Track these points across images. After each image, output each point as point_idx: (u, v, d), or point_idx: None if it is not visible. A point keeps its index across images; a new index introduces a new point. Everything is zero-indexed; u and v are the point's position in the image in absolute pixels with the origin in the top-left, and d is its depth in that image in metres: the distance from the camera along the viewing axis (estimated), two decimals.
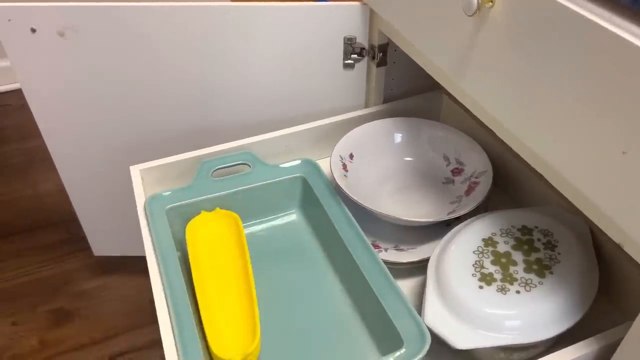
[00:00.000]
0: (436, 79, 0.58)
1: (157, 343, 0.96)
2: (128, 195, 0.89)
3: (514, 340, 0.47)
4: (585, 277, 0.50)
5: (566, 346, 0.46)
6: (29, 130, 1.45)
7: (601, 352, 0.46)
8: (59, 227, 1.18)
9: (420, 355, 0.46)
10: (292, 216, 0.67)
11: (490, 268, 0.50)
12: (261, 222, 0.66)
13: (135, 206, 0.61)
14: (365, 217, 0.63)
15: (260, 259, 0.61)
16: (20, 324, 1.00)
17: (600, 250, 0.54)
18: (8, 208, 1.23)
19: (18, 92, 1.59)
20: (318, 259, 0.61)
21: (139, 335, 0.98)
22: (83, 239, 0.98)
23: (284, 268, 0.61)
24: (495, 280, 0.49)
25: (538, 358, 0.46)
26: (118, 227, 0.95)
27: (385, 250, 0.60)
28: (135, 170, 0.65)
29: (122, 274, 1.08)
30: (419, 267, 0.59)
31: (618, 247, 0.53)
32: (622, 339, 0.42)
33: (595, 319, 0.52)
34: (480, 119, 0.51)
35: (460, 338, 0.47)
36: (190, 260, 0.57)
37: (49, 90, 0.74)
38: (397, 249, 0.60)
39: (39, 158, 1.37)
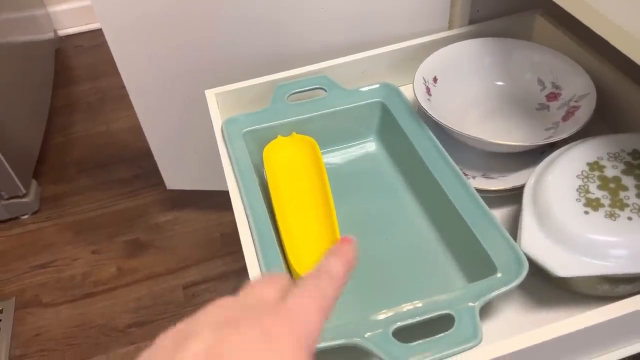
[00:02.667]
0: None
1: (228, 274, 0.98)
2: (201, 129, 0.89)
3: (621, 269, 0.42)
4: None
5: None
6: (101, 70, 1.48)
7: None
8: (131, 162, 1.22)
9: (518, 281, 0.43)
10: (369, 144, 0.64)
11: (597, 193, 0.46)
12: (337, 150, 0.63)
13: (209, 137, 0.60)
14: (450, 144, 0.59)
15: (336, 186, 0.58)
16: (99, 253, 1.05)
17: None
18: (84, 144, 1.28)
19: (89, 34, 1.62)
20: (398, 186, 0.58)
21: (210, 266, 1.00)
22: (155, 174, 1.00)
23: (362, 196, 0.58)
24: (602, 205, 0.45)
25: None
26: (190, 161, 0.96)
27: (473, 177, 0.56)
28: (211, 94, 0.64)
29: (194, 209, 1.10)
30: (510, 197, 0.55)
31: None
32: None
33: None
34: (596, 30, 0.45)
35: (561, 265, 0.43)
36: (269, 183, 0.55)
37: (125, 24, 0.73)
38: (485, 176, 0.56)
39: (110, 97, 1.40)
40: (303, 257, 0.50)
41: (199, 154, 0.93)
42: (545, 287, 0.47)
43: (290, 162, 0.58)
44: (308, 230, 0.52)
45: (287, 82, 0.63)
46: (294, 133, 0.60)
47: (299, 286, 0.24)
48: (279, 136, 0.60)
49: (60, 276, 1.01)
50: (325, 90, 0.63)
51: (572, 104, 0.58)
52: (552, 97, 0.61)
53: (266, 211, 0.51)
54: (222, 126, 0.59)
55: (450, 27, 0.72)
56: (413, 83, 0.60)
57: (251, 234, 0.49)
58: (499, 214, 0.55)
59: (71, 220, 1.11)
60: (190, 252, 1.03)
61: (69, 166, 1.22)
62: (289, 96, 0.62)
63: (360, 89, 0.63)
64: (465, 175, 0.57)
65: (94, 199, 1.15)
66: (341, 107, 0.62)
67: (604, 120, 0.61)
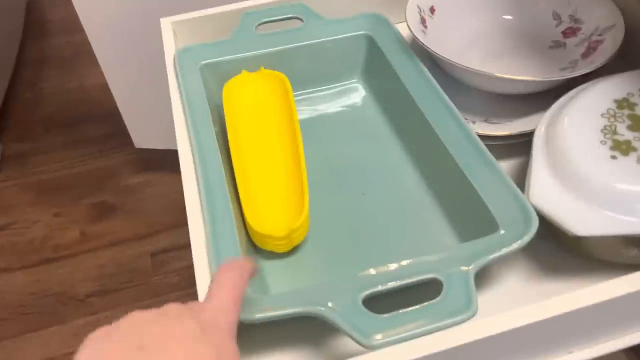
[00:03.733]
0: None
1: None
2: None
3: None
4: None
5: None
6: (77, 23, 1.38)
7: None
8: (103, 121, 1.12)
9: (525, 239, 0.34)
10: (353, 85, 0.54)
11: (627, 134, 0.37)
12: (315, 91, 0.54)
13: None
14: (447, 84, 0.49)
15: (312, 133, 0.49)
16: (62, 216, 0.96)
17: None
18: (54, 101, 1.18)
19: None
20: (384, 132, 0.49)
21: (182, 233, 0.91)
22: (127, 134, 0.91)
23: (342, 144, 0.49)
24: (635, 149, 0.36)
25: None
26: (159, 118, 0.87)
27: (473, 122, 0.47)
28: (166, 23, 0.54)
29: (166, 172, 1.01)
30: (517, 146, 0.46)
31: None
32: None
33: None
34: None
35: (581, 222, 0.34)
36: (227, 126, 0.46)
37: None
38: (488, 122, 0.47)
39: (85, 52, 1.29)
40: (263, 213, 0.41)
41: (167, 112, 0.84)
42: (558, 252, 0.39)
43: (255, 100, 0.49)
44: (271, 182, 0.43)
45: (257, 10, 0.53)
46: (262, 68, 0.51)
47: (213, 283, 0.27)
48: (243, 71, 0.51)
49: (17, 240, 0.92)
50: (302, 20, 0.53)
51: (595, 38, 0.48)
52: (570, 32, 0.51)
53: (219, 157, 0.42)
54: (174, 56, 0.50)
55: None
56: (405, 12, 0.50)
57: (197, 184, 0.40)
58: (504, 166, 0.45)
59: (34, 180, 1.02)
60: (160, 217, 0.94)
61: (35, 123, 1.13)
62: (258, 26, 0.53)
63: (344, 19, 0.53)
64: (465, 119, 0.47)
65: (60, 158, 1.06)
66: (320, 40, 0.52)
67: (628, 63, 0.52)
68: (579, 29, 0.51)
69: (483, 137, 0.44)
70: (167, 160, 1.02)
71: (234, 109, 0.48)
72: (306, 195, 0.40)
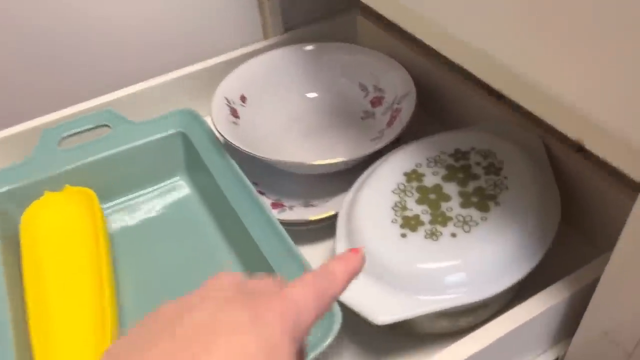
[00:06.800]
0: None
1: None
2: None
3: (455, 301, 0.34)
4: (543, 203, 0.37)
5: (527, 299, 0.33)
6: None
7: (573, 299, 0.33)
8: None
9: (326, 342, 0.32)
10: (176, 182, 0.52)
11: (415, 209, 0.37)
12: (135, 197, 0.51)
13: None
14: (268, 173, 0.49)
15: (133, 244, 0.47)
16: None
17: (560, 172, 0.41)
18: None
19: None
20: (208, 231, 0.48)
21: None
22: None
23: (167, 243, 0.47)
24: (422, 223, 0.36)
25: (493, 319, 0.33)
26: None
27: (290, 208, 0.46)
28: None
29: None
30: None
31: (582, 162, 0.41)
32: (599, 278, 0.29)
33: (562, 257, 0.39)
34: (415, 33, 0.36)
35: (381, 309, 0.33)
36: (23, 258, 0.42)
37: None
38: (306, 205, 0.47)
39: None
40: (59, 351, 0.37)
41: None
42: (379, 332, 0.38)
43: (59, 224, 0.45)
44: (72, 318, 0.39)
45: (57, 125, 0.50)
46: (67, 186, 0.48)
47: (299, 280, 0.23)
48: (45, 192, 0.47)
49: None
50: (110, 127, 0.51)
51: (395, 106, 0.50)
52: (376, 101, 0.53)
53: (6, 301, 0.38)
54: None
55: (265, 37, 0.63)
56: (211, 107, 0.50)
57: None
58: (320, 249, 0.45)
59: None
60: None
61: None
62: (61, 141, 0.50)
63: (154, 120, 0.51)
64: (283, 206, 0.47)
65: None
66: (132, 144, 0.50)
67: (438, 121, 0.54)
68: (383, 98, 0.53)
69: (300, 223, 0.44)
70: None
71: (34, 237, 0.44)
72: (108, 332, 0.37)
